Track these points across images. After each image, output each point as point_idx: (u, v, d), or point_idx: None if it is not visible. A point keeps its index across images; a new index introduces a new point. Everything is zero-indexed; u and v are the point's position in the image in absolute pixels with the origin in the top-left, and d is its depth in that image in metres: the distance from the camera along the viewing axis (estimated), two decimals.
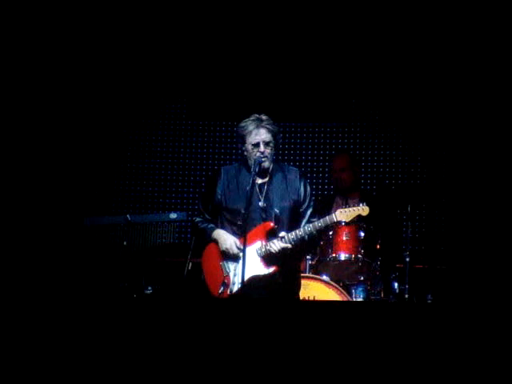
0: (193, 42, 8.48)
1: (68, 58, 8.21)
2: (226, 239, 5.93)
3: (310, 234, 5.91)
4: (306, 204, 6.04)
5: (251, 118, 6.01)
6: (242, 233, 5.76)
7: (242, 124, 6.03)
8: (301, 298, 6.45)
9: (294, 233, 5.86)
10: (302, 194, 6.03)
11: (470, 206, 7.86)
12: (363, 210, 6.04)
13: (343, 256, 7.08)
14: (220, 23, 8.35)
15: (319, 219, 5.92)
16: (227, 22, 8.33)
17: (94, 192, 8.51)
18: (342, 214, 5.98)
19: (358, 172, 7.85)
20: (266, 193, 6.00)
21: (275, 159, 6.12)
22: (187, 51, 8.55)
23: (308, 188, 6.07)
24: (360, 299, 7.18)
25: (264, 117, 6.02)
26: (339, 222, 6.74)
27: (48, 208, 8.09)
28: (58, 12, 8.01)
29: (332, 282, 6.93)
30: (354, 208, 6.04)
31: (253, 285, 5.78)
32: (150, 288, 7.57)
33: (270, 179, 6.02)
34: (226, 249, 5.90)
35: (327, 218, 5.94)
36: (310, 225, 5.90)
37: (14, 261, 7.64)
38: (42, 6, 7.92)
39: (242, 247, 5.77)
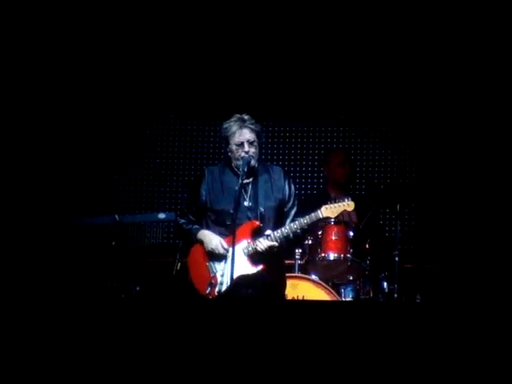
0: (180, 42, 8.45)
1: (57, 61, 8.17)
2: (212, 239, 5.94)
3: (295, 232, 5.95)
4: (291, 203, 6.08)
5: (233, 119, 6.04)
6: (231, 232, 5.77)
7: (225, 125, 6.06)
8: (290, 297, 6.45)
9: (279, 230, 5.90)
10: (287, 194, 6.07)
11: (458, 205, 7.87)
12: (348, 205, 6.10)
13: (332, 256, 7.04)
14: (206, 23, 8.32)
15: (304, 216, 5.95)
16: (214, 21, 8.30)
17: (82, 192, 8.47)
18: (328, 210, 6.03)
19: (354, 169, 7.94)
20: (252, 192, 6.00)
21: (259, 159, 6.13)
22: (175, 51, 8.52)
23: (292, 187, 6.13)
24: (349, 299, 7.19)
25: (246, 116, 6.07)
26: (327, 220, 6.76)
27: (36, 208, 8.05)
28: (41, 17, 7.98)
29: (321, 282, 6.91)
30: (340, 204, 6.08)
31: (240, 284, 5.78)
32: (138, 288, 7.55)
33: (255, 179, 6.03)
34: (212, 249, 5.91)
35: (313, 214, 5.99)
36: (296, 222, 5.93)
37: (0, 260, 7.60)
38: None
39: (227, 247, 5.79)
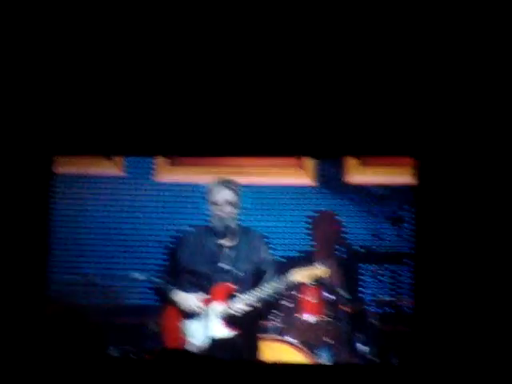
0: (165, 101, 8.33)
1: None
2: (187, 299, 5.98)
3: (269, 295, 6.03)
4: (268, 268, 6.16)
5: (215, 180, 6.21)
6: (206, 294, 5.84)
7: (206, 185, 6.20)
8: (265, 360, 6.43)
9: (254, 294, 6.01)
10: (265, 259, 6.16)
11: (437, 269, 7.84)
12: (321, 270, 6.32)
13: (308, 317, 7.05)
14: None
15: (278, 280, 6.06)
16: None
17: (57, 249, 8.40)
18: (298, 274, 6.18)
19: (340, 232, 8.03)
20: (230, 255, 6.09)
21: (239, 222, 6.26)
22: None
23: (270, 252, 6.25)
24: (325, 361, 7.15)
25: (227, 178, 6.16)
26: (303, 283, 6.78)
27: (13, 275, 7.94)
28: None
29: (297, 344, 6.89)
30: (311, 267, 6.23)
31: (214, 348, 5.79)
32: (111, 349, 7.48)
33: (235, 242, 6.11)
34: (185, 309, 5.95)
35: (283, 277, 6.17)
36: (269, 285, 6.02)
37: None
38: None
39: (202, 307, 5.83)
